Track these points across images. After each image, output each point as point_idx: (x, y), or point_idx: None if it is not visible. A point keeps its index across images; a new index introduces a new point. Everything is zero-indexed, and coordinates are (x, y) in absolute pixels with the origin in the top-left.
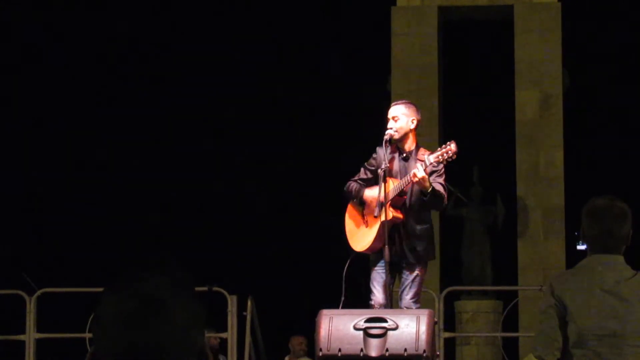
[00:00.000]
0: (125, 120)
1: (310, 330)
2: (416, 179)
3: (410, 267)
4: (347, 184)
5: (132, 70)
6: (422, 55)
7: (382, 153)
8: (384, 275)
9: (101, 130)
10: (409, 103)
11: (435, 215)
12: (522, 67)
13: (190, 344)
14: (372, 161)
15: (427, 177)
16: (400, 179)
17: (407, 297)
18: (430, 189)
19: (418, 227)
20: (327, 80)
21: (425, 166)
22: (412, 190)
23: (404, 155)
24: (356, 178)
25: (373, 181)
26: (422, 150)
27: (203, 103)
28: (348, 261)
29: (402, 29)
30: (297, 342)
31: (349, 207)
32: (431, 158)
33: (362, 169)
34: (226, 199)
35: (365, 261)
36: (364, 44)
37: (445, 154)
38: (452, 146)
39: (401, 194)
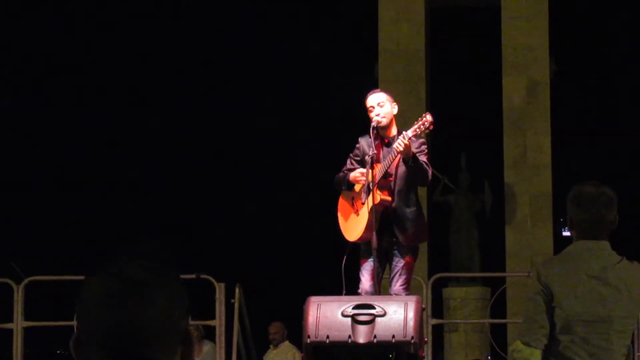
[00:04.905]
0: (117, 114)
1: (298, 317)
2: (400, 149)
3: (402, 253)
4: (335, 177)
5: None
6: (409, 42)
7: (366, 142)
8: (372, 264)
9: (90, 121)
10: (384, 91)
11: (422, 203)
12: (509, 53)
13: (173, 326)
14: (357, 151)
15: (409, 145)
16: None
17: (397, 284)
18: (412, 155)
19: (407, 210)
20: (318, 70)
21: (405, 137)
22: (396, 173)
23: (387, 141)
24: (344, 169)
25: None
26: None
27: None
28: (345, 254)
29: (389, 16)
30: (277, 327)
31: (340, 200)
32: (409, 132)
33: (348, 160)
34: (216, 188)
35: (358, 252)
36: (352, 31)
37: (422, 126)
38: (428, 117)
39: (385, 175)
